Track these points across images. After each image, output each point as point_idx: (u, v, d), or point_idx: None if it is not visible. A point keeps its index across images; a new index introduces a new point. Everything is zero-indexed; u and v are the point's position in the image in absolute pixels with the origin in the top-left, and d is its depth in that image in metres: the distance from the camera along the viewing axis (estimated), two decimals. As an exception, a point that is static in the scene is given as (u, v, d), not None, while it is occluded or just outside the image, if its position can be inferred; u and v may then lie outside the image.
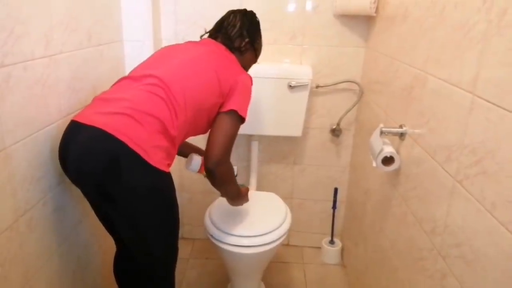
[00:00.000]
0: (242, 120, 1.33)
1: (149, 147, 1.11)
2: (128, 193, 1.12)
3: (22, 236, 1.08)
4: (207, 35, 1.50)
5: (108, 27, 1.62)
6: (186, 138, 1.35)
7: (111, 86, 1.28)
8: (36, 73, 1.11)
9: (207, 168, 1.30)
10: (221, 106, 1.33)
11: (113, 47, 1.68)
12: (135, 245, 1.28)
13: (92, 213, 1.54)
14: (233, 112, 1.30)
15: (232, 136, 1.32)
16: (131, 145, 1.08)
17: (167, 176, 1.19)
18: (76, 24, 1.34)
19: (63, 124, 1.28)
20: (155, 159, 1.12)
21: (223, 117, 1.31)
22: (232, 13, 1.49)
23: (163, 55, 1.35)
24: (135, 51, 1.79)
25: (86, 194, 1.25)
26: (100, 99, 1.20)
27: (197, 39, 1.50)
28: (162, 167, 1.14)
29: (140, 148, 1.09)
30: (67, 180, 1.32)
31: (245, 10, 1.51)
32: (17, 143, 1.04)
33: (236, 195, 1.54)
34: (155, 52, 1.41)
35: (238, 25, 1.45)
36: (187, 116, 1.23)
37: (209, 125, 1.37)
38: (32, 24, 1.08)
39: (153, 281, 1.33)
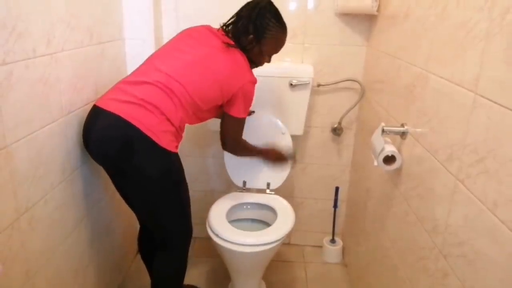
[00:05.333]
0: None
1: (159, 132, 1.28)
2: (140, 171, 1.30)
3: (23, 234, 1.08)
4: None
5: (109, 26, 1.62)
6: (195, 123, 1.50)
7: (135, 70, 1.41)
8: (37, 71, 1.11)
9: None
10: (225, 104, 1.46)
11: (114, 45, 1.68)
12: (148, 219, 1.48)
13: (93, 212, 1.55)
14: (233, 116, 1.47)
15: (240, 130, 1.54)
16: (143, 129, 1.25)
17: (176, 157, 1.36)
18: (77, 22, 1.34)
19: (65, 122, 1.28)
20: (164, 142, 1.29)
21: (225, 117, 1.49)
22: (246, 4, 1.46)
23: (179, 46, 1.43)
24: (136, 49, 1.79)
25: (106, 170, 1.42)
26: (119, 88, 1.34)
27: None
28: (171, 148, 1.32)
29: (151, 132, 1.26)
30: (69, 178, 1.33)
31: (259, 0, 1.44)
32: (18, 141, 1.04)
33: (257, 154, 1.73)
34: (175, 36, 1.50)
35: (244, 19, 1.43)
36: (189, 112, 1.38)
37: (217, 112, 1.54)
38: (34, 22, 1.08)
39: (167, 253, 1.48)
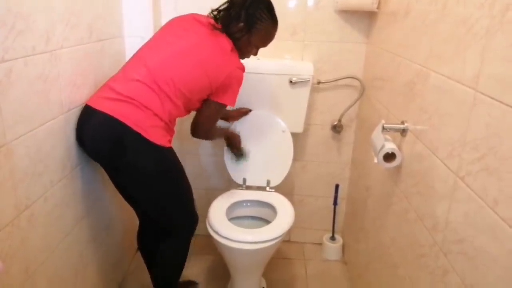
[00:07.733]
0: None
1: (147, 127, 1.31)
2: (133, 167, 1.33)
3: (23, 231, 1.08)
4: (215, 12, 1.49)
5: (109, 23, 1.61)
6: (183, 116, 1.49)
7: (124, 65, 1.44)
8: (37, 68, 1.11)
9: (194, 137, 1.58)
10: (213, 92, 1.45)
11: (114, 43, 1.67)
12: (152, 211, 1.49)
13: (94, 210, 1.55)
14: (222, 104, 1.47)
15: (218, 118, 1.55)
16: (131, 125, 1.28)
17: (168, 150, 1.38)
18: (77, 19, 1.33)
19: (65, 119, 1.28)
20: (155, 136, 1.32)
21: (211, 104, 1.47)
22: None
23: (165, 37, 1.45)
24: (136, 47, 1.77)
25: (103, 167, 1.44)
26: (107, 86, 1.36)
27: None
28: (162, 143, 1.34)
29: (141, 128, 1.29)
30: (69, 176, 1.33)
31: None
32: (18, 138, 1.04)
33: (223, 136, 1.84)
34: (163, 27, 1.50)
35: (237, 6, 1.41)
36: (178, 104, 1.39)
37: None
38: (33, 20, 1.08)
39: (172, 242, 1.53)
